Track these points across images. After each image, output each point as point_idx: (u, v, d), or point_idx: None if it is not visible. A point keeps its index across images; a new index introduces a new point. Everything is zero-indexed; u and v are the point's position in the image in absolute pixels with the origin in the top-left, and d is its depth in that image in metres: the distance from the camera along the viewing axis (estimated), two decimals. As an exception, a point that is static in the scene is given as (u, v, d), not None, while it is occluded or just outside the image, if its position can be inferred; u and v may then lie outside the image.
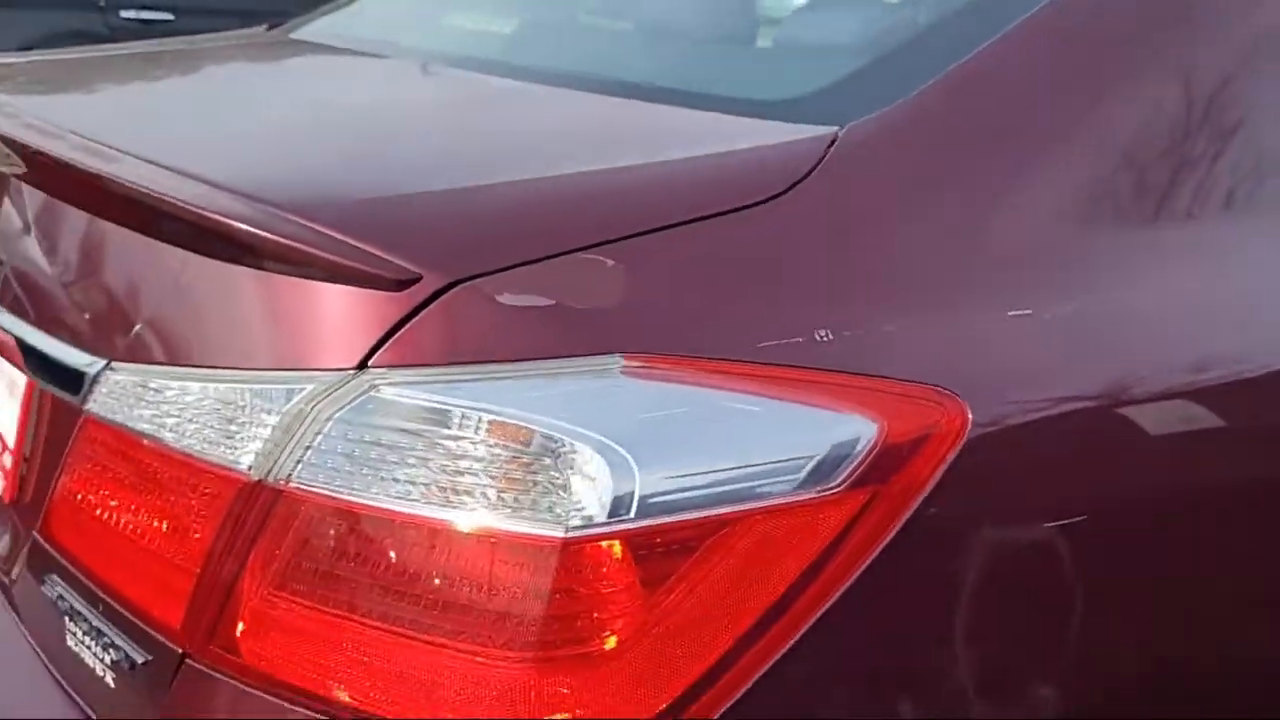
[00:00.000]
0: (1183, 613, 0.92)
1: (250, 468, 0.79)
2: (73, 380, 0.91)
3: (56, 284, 1.01)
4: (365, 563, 0.78)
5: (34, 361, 0.99)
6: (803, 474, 0.78)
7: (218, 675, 0.82)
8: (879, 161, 0.92)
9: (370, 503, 0.76)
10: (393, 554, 0.77)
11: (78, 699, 0.98)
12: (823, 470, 0.78)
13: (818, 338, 0.81)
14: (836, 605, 0.79)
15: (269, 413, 0.79)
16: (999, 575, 0.84)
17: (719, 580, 0.76)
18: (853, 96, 0.98)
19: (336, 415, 0.77)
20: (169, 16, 5.36)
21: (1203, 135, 0.99)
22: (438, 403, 0.76)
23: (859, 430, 0.79)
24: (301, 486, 0.78)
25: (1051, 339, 0.88)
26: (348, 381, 0.77)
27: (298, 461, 0.78)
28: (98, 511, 0.92)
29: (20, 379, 1.15)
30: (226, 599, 0.81)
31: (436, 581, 0.76)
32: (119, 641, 0.89)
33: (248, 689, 0.81)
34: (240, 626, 0.81)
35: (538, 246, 0.81)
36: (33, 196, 1.08)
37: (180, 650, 0.85)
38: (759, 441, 0.78)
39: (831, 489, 0.78)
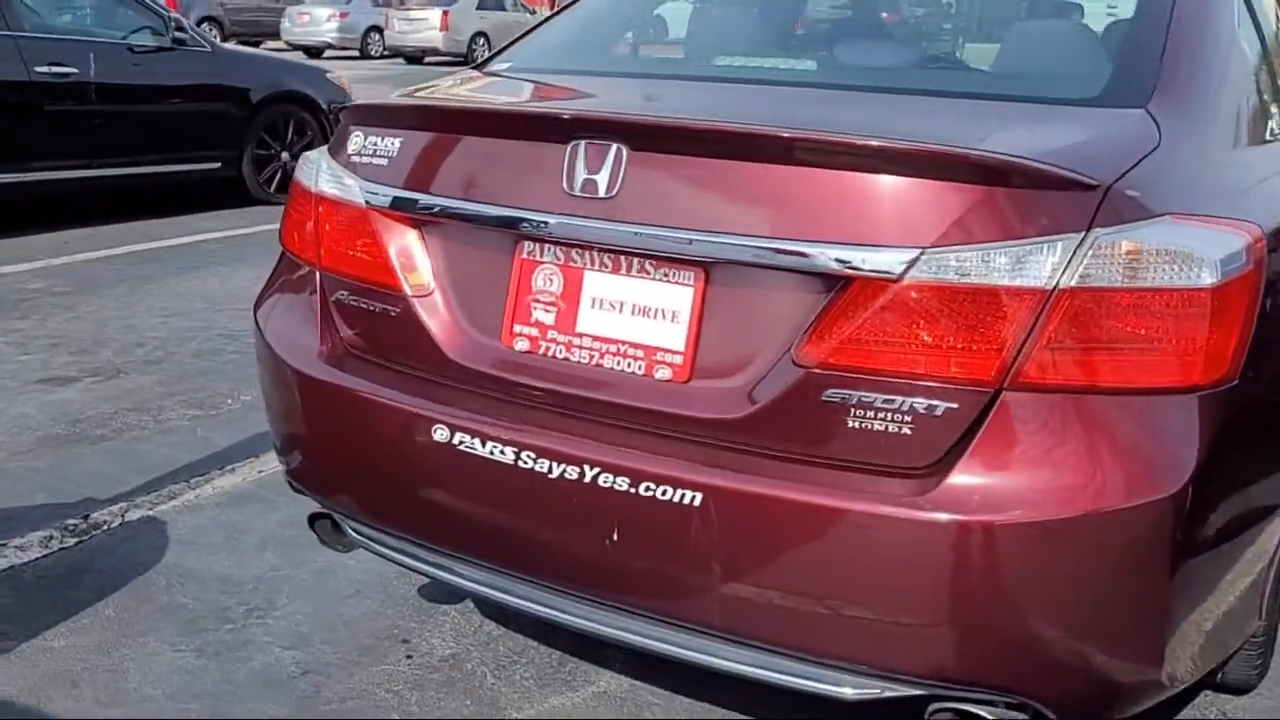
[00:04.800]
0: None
1: (1046, 283, 1.63)
2: (881, 267, 1.66)
3: (846, 218, 1.71)
4: (1108, 318, 1.64)
5: (831, 263, 1.70)
6: (1242, 257, 1.74)
7: (1026, 392, 1.64)
8: (1180, 122, 1.91)
9: (1115, 286, 1.63)
10: (1142, 316, 1.64)
11: (845, 458, 1.72)
12: (1249, 253, 1.75)
13: (1207, 210, 1.79)
14: (1264, 293, 1.76)
15: (1052, 255, 1.62)
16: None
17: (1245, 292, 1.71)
18: (1131, 88, 1.97)
19: (1089, 252, 1.63)
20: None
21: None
22: (1131, 240, 1.64)
23: (1247, 240, 1.77)
24: (1077, 287, 1.62)
25: (1274, 201, 1.94)
26: (1084, 236, 1.63)
27: (1072, 276, 1.62)
28: (891, 339, 1.67)
29: (684, 301, 1.83)
30: (1027, 355, 1.63)
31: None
32: (924, 402, 1.66)
33: (1044, 394, 1.64)
34: (1032, 368, 1.64)
35: (1115, 172, 1.71)
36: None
37: (992, 390, 1.65)
38: (1226, 245, 1.74)
39: (1249, 263, 1.75)
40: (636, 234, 1.83)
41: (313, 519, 2.39)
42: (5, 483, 3.41)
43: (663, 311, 1.87)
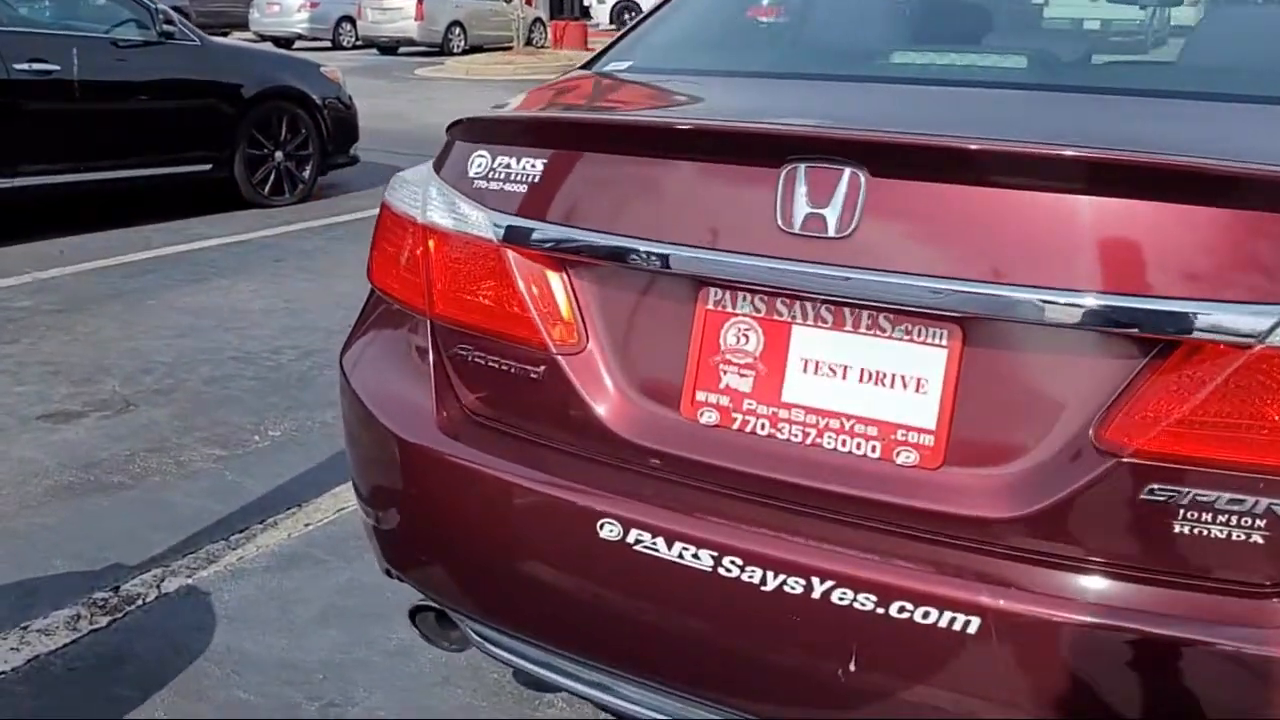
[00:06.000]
0: None
1: None
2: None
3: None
4: None
5: (1154, 322, 1.31)
6: None
7: None
8: None
9: None
10: None
11: (1171, 571, 1.33)
12: None
13: None
14: None
15: None
16: None
17: None
18: None
19: None
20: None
21: None
22: None
23: None
24: None
25: None
26: None
27: None
28: (1244, 421, 1.28)
29: (934, 365, 1.44)
30: None
31: None
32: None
33: None
34: None
35: None
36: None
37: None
38: None
39: None
40: (874, 282, 1.44)
41: (414, 612, 1.99)
42: (17, 546, 2.98)
43: (903, 378, 1.48)
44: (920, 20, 2.49)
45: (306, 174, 7.90)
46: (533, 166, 1.71)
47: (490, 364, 1.76)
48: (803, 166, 1.47)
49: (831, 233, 1.45)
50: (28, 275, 5.74)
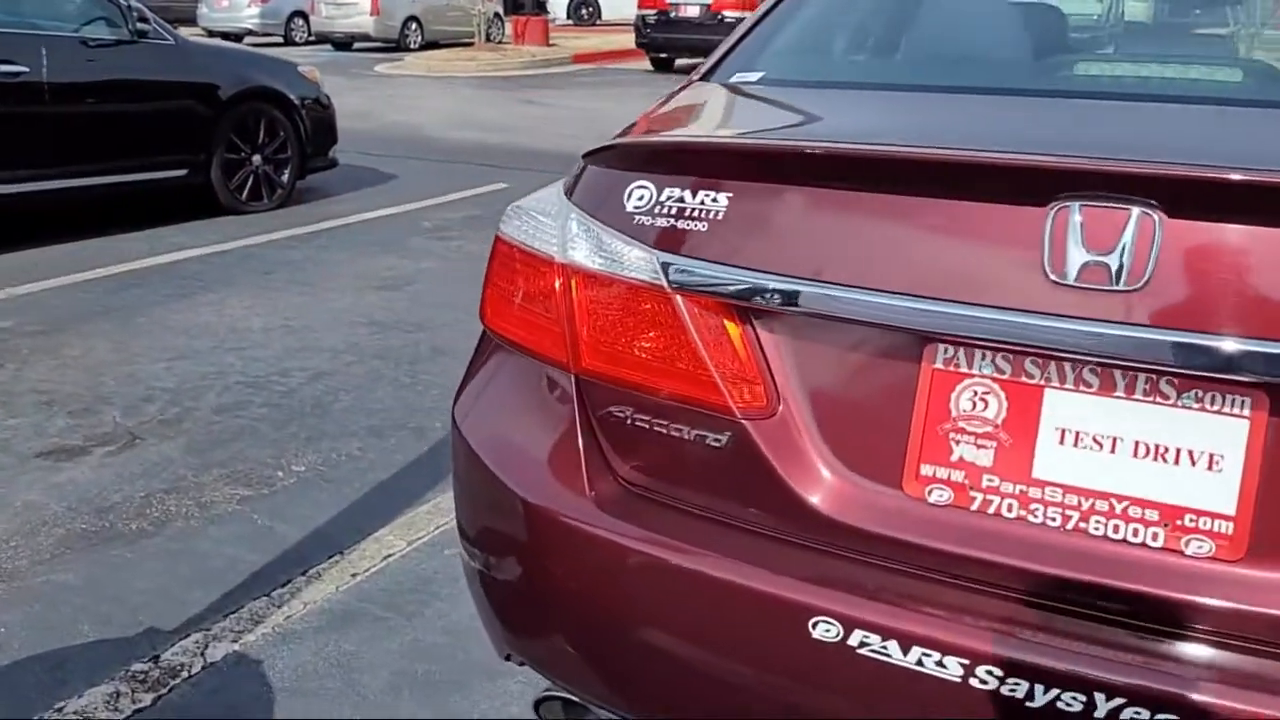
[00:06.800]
0: None
1: None
2: None
3: None
4: None
5: None
6: None
7: None
8: None
9: None
10: None
11: None
12: None
13: None
14: None
15: None
16: None
17: None
18: None
19: None
20: None
21: None
22: None
23: None
24: None
25: None
26: None
27: None
28: None
29: (1231, 439, 1.22)
30: None
31: None
32: None
33: None
34: None
35: None
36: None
37: None
38: None
39: None
40: (1168, 342, 1.21)
41: (540, 702, 1.74)
42: (36, 609, 2.68)
43: (1191, 453, 1.25)
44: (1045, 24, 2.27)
45: (285, 178, 7.56)
46: (713, 200, 1.46)
47: (656, 428, 1.52)
48: (1076, 205, 1.23)
49: (1119, 284, 1.22)
50: (1, 291, 5.37)
